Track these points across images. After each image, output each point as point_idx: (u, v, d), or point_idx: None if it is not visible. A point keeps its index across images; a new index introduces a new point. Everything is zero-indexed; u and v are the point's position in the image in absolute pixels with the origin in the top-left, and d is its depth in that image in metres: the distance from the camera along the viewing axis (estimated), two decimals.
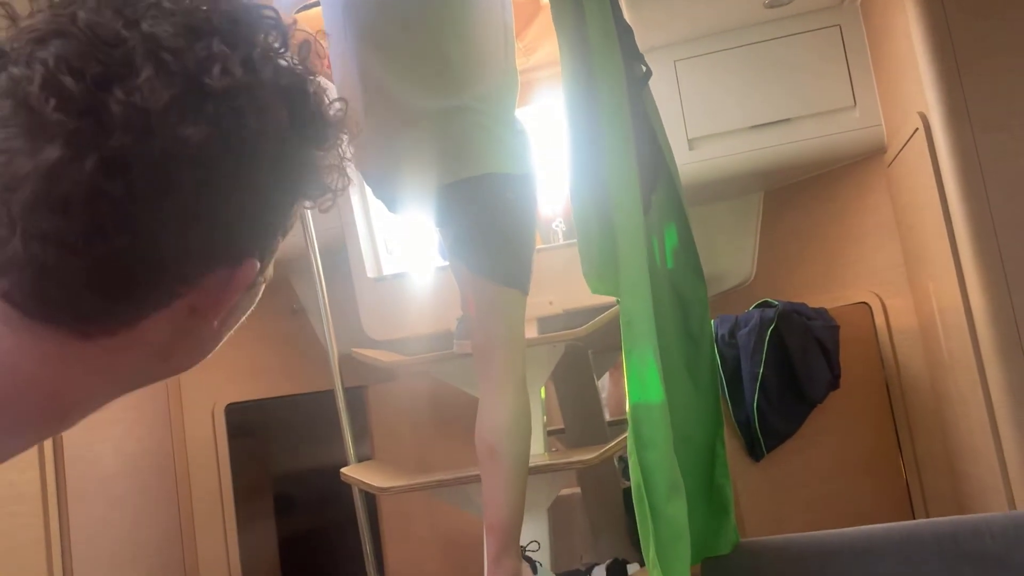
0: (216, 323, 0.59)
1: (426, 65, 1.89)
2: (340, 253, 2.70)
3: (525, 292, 1.92)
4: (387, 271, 2.75)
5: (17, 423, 0.54)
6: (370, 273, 2.70)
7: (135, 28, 0.50)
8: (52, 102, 0.48)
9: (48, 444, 2.19)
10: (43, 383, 0.54)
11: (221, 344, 0.65)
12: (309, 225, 2.44)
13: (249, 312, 0.66)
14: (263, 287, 0.65)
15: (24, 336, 0.53)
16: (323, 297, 2.43)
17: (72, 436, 2.25)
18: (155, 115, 0.49)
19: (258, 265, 0.58)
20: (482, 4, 1.91)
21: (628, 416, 1.39)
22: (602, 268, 1.55)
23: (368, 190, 2.28)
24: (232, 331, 0.65)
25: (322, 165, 0.59)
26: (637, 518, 1.38)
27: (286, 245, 2.35)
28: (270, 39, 0.56)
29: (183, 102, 0.50)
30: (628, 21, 1.79)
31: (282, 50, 0.56)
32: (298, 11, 2.18)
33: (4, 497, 2.06)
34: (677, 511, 1.35)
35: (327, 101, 0.59)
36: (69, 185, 0.49)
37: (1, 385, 0.53)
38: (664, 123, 1.77)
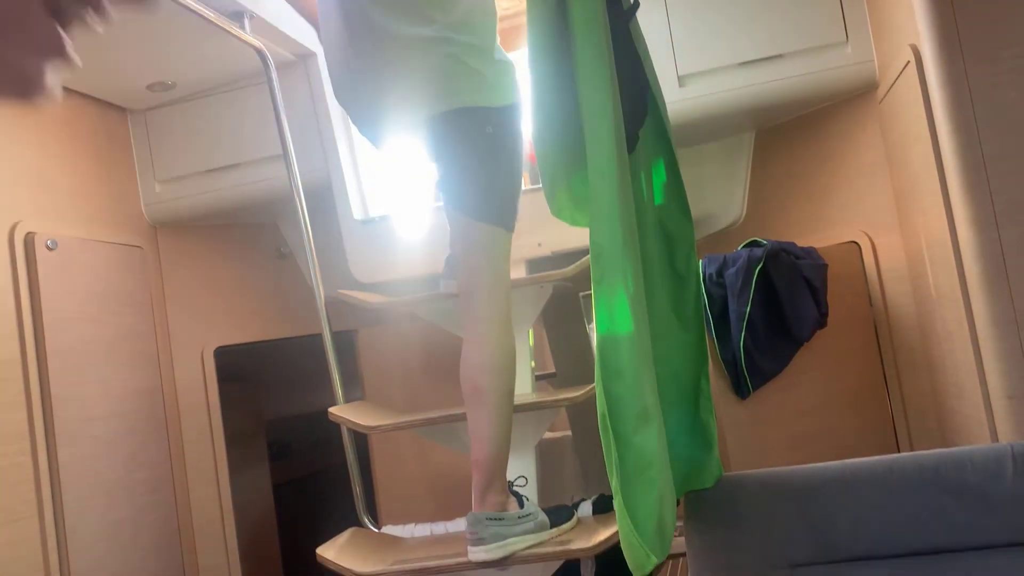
0: None
1: None
2: (327, 195, 2.68)
3: (509, 229, 1.91)
4: (374, 212, 2.72)
5: None
6: (356, 215, 2.68)
7: None
8: None
9: (34, 384, 2.19)
10: None
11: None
12: (293, 166, 2.41)
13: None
14: None
15: None
16: (308, 240, 2.41)
17: (58, 377, 2.25)
18: None
19: None
20: None
21: (596, 347, 1.39)
22: (579, 199, 1.54)
23: (354, 129, 2.24)
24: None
25: None
26: (603, 447, 1.38)
27: (271, 184, 2.34)
28: None
29: None
30: None
31: None
32: None
33: None
34: (645, 440, 1.35)
35: None
36: None
37: None
38: (654, 59, 1.73)
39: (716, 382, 2.25)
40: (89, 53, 2.31)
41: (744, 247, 2.34)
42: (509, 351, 1.87)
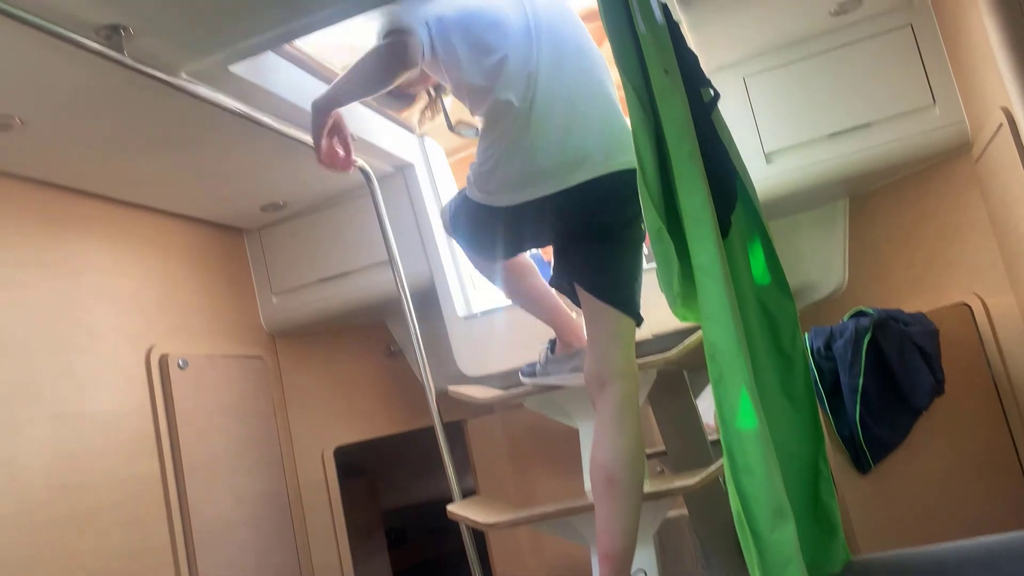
0: None
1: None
2: (431, 294, 2.79)
3: (639, 321, 1.94)
4: (476, 308, 2.81)
5: None
6: (460, 311, 2.78)
7: None
8: None
9: (173, 498, 2.34)
10: None
11: None
12: (399, 268, 2.53)
13: None
14: None
15: None
16: (416, 338, 2.50)
17: (194, 489, 2.39)
18: None
19: None
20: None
21: (722, 444, 1.40)
22: (686, 296, 1.57)
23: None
24: None
25: None
26: (741, 545, 1.38)
27: (379, 289, 2.48)
28: None
29: None
30: (691, 45, 1.80)
31: None
32: None
33: (137, 550, 2.21)
34: (783, 536, 1.34)
35: None
36: None
37: None
38: (738, 139, 1.76)
39: (835, 458, 2.21)
40: (209, 184, 2.52)
41: (850, 317, 2.31)
42: (641, 441, 1.86)
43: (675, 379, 2.70)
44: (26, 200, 2.18)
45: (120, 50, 1.64)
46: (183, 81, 1.85)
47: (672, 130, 1.48)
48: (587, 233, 1.95)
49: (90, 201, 2.37)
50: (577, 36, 2.04)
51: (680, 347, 2.20)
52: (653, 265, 2.62)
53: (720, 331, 1.41)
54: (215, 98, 1.94)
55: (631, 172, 1.76)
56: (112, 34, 1.63)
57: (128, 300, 2.42)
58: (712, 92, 1.75)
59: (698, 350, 2.22)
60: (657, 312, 2.44)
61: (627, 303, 1.93)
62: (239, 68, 1.91)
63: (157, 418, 2.37)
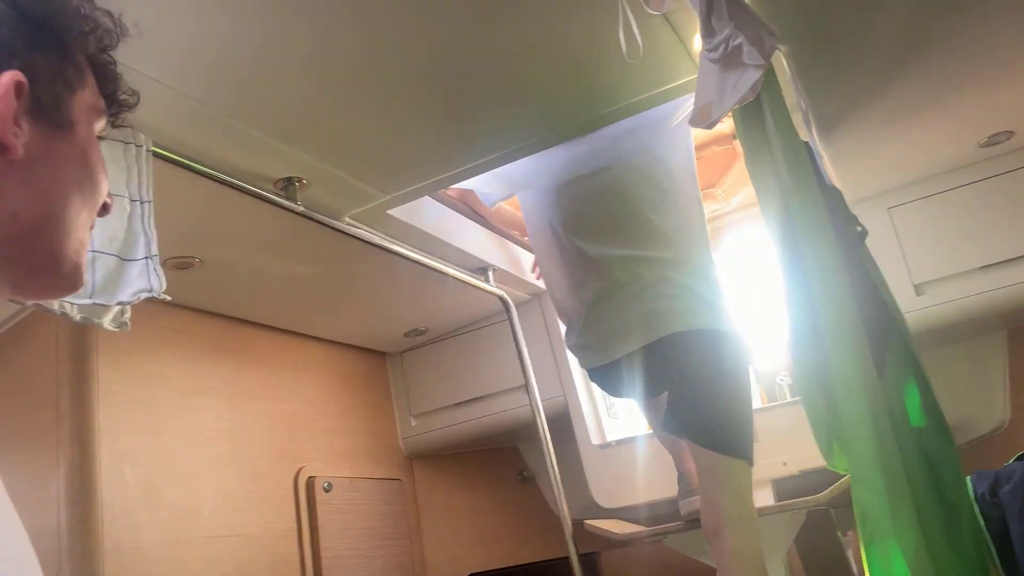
0: (18, 148, 0.61)
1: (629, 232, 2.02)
2: (563, 420, 2.79)
3: (750, 462, 1.90)
4: (611, 437, 2.79)
5: None
6: (594, 440, 2.76)
7: None
8: None
9: None
10: None
11: (68, 197, 0.66)
12: (535, 393, 2.56)
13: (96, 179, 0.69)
14: (86, 139, 0.68)
15: None
16: (552, 467, 2.49)
17: None
18: None
19: (22, 79, 0.60)
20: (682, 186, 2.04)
21: None
22: (841, 448, 1.51)
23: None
24: (75, 197, 0.67)
25: (89, 17, 0.66)
26: None
27: (514, 413, 2.52)
28: None
29: None
30: (835, 181, 1.80)
31: None
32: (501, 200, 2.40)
33: None
34: None
35: None
36: None
37: None
38: (886, 271, 1.72)
39: None
40: (359, 312, 2.64)
41: (1016, 460, 2.16)
42: None
43: (822, 518, 2.58)
44: (197, 331, 2.35)
45: (294, 200, 1.79)
46: (346, 225, 1.98)
47: (817, 269, 1.47)
48: (678, 382, 1.98)
49: (249, 329, 2.53)
50: None
51: (831, 489, 2.11)
52: (790, 399, 2.58)
53: (870, 494, 1.34)
54: (374, 239, 2.06)
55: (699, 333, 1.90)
56: (288, 185, 1.79)
57: (280, 423, 2.54)
58: (860, 228, 1.73)
59: (849, 491, 2.12)
60: (803, 448, 2.37)
61: (732, 447, 1.90)
62: (396, 211, 2.04)
63: (302, 540, 2.43)
